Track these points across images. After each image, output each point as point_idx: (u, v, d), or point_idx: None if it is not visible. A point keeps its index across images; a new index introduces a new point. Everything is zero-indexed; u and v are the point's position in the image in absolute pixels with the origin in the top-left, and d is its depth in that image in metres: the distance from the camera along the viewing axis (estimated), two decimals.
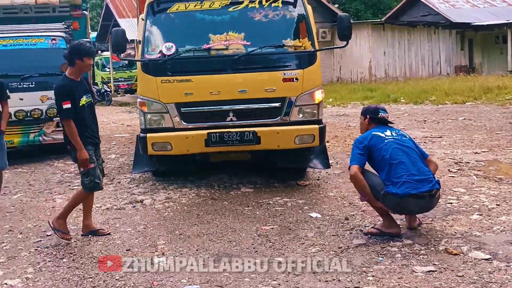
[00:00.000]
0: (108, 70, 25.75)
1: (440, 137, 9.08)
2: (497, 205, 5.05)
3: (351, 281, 3.56)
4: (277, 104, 6.04)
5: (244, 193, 6.10)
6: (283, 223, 4.95)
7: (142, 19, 6.45)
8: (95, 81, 25.16)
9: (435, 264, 3.73)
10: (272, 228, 4.81)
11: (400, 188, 4.17)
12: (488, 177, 6.17)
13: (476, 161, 6.95)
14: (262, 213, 5.30)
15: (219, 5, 6.31)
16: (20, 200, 6.35)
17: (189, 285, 3.68)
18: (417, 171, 4.25)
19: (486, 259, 3.75)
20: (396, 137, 4.45)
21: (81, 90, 4.70)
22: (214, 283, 3.70)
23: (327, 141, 9.08)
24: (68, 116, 4.56)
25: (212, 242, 4.50)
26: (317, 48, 6.18)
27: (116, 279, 3.84)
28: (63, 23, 9.80)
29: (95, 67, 24.58)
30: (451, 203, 5.18)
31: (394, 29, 23.72)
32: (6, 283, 3.88)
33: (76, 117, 4.59)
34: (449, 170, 6.55)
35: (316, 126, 6.07)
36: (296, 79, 6.03)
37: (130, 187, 6.60)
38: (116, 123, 14.53)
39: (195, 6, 6.31)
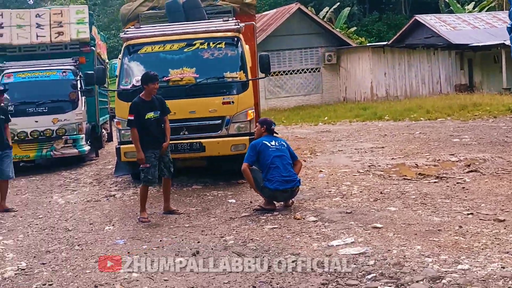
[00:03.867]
0: None
1: (383, 147, 10.53)
2: (360, 192, 6.72)
3: (220, 234, 5.35)
4: (218, 121, 7.94)
5: (193, 189, 7.95)
6: (206, 206, 6.78)
7: (119, 59, 8.47)
8: None
9: (280, 224, 5.48)
10: (196, 209, 6.64)
11: (273, 185, 5.99)
12: (382, 175, 7.79)
13: (387, 165, 8.54)
14: (196, 201, 7.14)
15: (177, 47, 8.34)
16: (27, 198, 8.36)
17: (120, 239, 5.52)
18: (287, 173, 6.06)
19: (313, 221, 5.48)
20: (278, 147, 6.24)
21: (147, 107, 6.31)
22: (136, 238, 5.53)
23: None
24: (131, 125, 6.28)
25: (150, 219, 6.33)
26: (249, 78, 8.09)
27: (75, 237, 5.72)
28: (72, 58, 11.97)
29: None
30: (330, 191, 6.89)
31: (394, 52, 25.47)
32: (3, 242, 5.80)
33: (142, 127, 6.23)
34: (358, 171, 8.22)
35: (247, 137, 7.91)
36: (232, 102, 7.93)
37: (111, 187, 8.55)
38: None
39: (159, 48, 8.34)
